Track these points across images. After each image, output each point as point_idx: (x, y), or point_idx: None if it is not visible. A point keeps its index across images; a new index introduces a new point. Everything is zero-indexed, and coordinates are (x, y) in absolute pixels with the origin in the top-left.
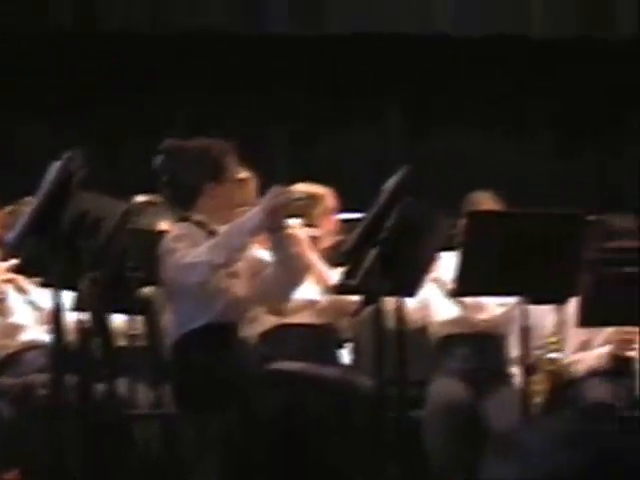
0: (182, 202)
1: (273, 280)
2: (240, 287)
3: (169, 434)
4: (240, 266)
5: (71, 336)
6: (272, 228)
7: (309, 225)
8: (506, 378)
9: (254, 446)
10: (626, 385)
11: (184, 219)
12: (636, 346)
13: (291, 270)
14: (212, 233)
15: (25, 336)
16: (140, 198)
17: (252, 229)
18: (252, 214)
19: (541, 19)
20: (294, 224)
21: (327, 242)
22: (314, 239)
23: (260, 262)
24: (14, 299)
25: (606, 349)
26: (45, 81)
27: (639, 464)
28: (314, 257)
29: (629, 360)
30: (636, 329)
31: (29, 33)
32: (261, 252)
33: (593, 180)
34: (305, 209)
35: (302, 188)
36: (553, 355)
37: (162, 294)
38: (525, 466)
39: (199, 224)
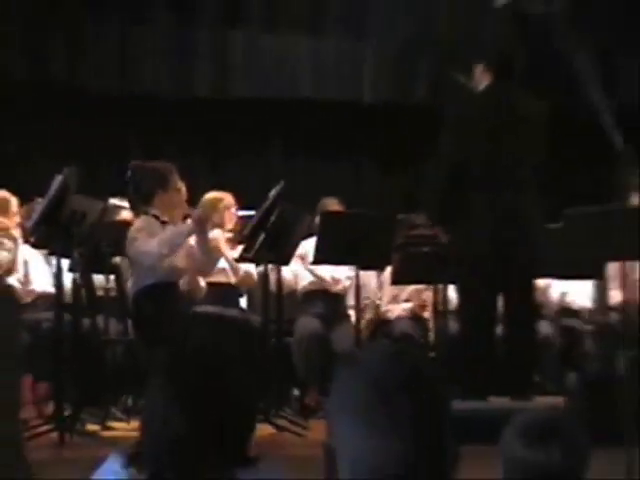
0: (142, 202)
1: (199, 261)
2: (179, 261)
3: (131, 354)
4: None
5: (67, 288)
6: (198, 232)
7: (220, 226)
8: (346, 317)
9: (185, 366)
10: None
11: (145, 213)
12: (429, 308)
13: (209, 256)
14: (164, 222)
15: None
16: (112, 199)
17: (187, 232)
18: (187, 223)
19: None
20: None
21: (229, 228)
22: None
23: (192, 247)
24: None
25: (410, 305)
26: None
27: (433, 374)
28: (222, 244)
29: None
30: (430, 293)
31: None
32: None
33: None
34: (214, 204)
35: (212, 194)
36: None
37: (126, 263)
38: (359, 373)
39: (154, 217)
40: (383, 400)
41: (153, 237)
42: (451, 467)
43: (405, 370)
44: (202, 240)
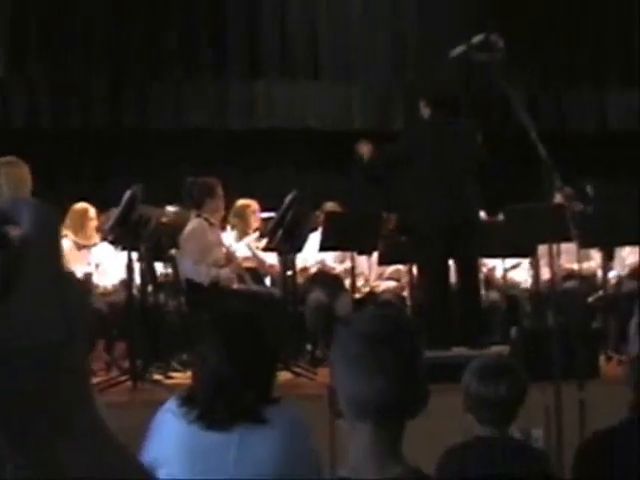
0: (195, 208)
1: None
2: (221, 255)
3: (184, 322)
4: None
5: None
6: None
7: (248, 226)
8: (344, 291)
9: (228, 327)
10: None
11: (198, 215)
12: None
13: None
14: (212, 224)
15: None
16: (170, 208)
17: (225, 277)
18: (228, 273)
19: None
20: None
21: (254, 226)
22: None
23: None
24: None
25: (392, 283)
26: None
27: (410, 329)
28: (256, 249)
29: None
30: (404, 269)
31: None
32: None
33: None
34: (243, 210)
35: (242, 201)
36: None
37: (181, 254)
38: (350, 331)
39: (205, 219)
40: (368, 350)
41: (206, 244)
42: (423, 401)
43: (386, 327)
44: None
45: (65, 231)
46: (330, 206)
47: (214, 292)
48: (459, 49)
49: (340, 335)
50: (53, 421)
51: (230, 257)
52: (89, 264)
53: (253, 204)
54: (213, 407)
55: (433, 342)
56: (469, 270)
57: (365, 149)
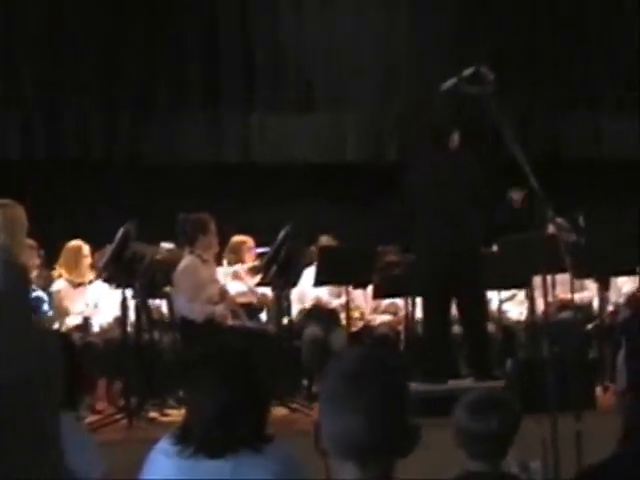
0: (188, 244)
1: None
2: (214, 291)
3: (179, 358)
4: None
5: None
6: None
7: (240, 256)
8: (339, 325)
9: (222, 364)
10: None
11: (191, 252)
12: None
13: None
14: (204, 261)
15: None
16: (164, 244)
17: (218, 314)
18: (221, 310)
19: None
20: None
21: (250, 262)
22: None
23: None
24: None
25: (388, 317)
26: None
27: (394, 368)
28: (243, 274)
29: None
30: (400, 303)
31: None
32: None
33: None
34: (239, 246)
35: (237, 237)
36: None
37: (175, 291)
38: (334, 369)
39: (198, 255)
40: (347, 389)
41: (198, 281)
42: (411, 440)
43: (367, 366)
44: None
45: (59, 270)
46: (325, 240)
47: (208, 329)
48: (450, 82)
49: (326, 373)
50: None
51: (224, 293)
52: (87, 304)
53: (249, 240)
54: (211, 436)
55: (431, 375)
56: (475, 300)
57: (518, 196)
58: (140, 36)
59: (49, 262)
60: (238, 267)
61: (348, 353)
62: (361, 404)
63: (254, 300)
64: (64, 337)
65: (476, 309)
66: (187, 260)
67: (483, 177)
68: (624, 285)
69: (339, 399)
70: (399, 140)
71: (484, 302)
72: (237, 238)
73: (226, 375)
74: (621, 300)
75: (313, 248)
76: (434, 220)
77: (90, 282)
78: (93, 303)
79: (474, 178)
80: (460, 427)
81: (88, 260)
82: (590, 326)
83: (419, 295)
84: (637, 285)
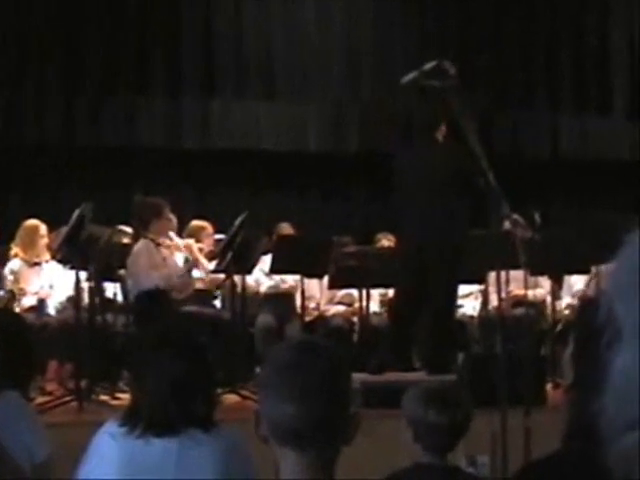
0: (142, 228)
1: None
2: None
3: (132, 341)
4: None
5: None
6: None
7: (199, 241)
8: (293, 314)
9: (172, 348)
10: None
11: (144, 237)
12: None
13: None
14: (158, 244)
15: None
16: (119, 226)
17: (178, 274)
18: (181, 268)
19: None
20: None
21: (208, 249)
22: (200, 249)
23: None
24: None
25: (342, 308)
26: None
27: (329, 358)
28: (200, 257)
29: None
30: (356, 294)
31: None
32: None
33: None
34: (198, 231)
35: (196, 223)
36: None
37: (129, 273)
38: (269, 360)
39: (151, 240)
40: (284, 377)
41: (152, 262)
42: (350, 427)
43: (298, 355)
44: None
45: (14, 249)
46: (284, 227)
47: (162, 311)
48: (411, 75)
49: (263, 363)
50: None
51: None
52: (42, 286)
53: (208, 227)
54: (163, 413)
55: (385, 366)
56: (445, 290)
57: None
58: (101, 20)
59: (7, 242)
60: (190, 241)
61: (286, 342)
62: (295, 392)
63: (208, 286)
64: (15, 317)
65: (443, 303)
66: (140, 243)
67: (474, 167)
68: (577, 283)
69: (274, 387)
70: (362, 130)
71: (453, 297)
72: (196, 223)
73: (180, 354)
74: (573, 298)
75: (271, 236)
76: (424, 211)
77: (47, 262)
78: (48, 284)
79: (466, 169)
80: (411, 419)
81: (45, 240)
82: (542, 323)
83: (394, 284)
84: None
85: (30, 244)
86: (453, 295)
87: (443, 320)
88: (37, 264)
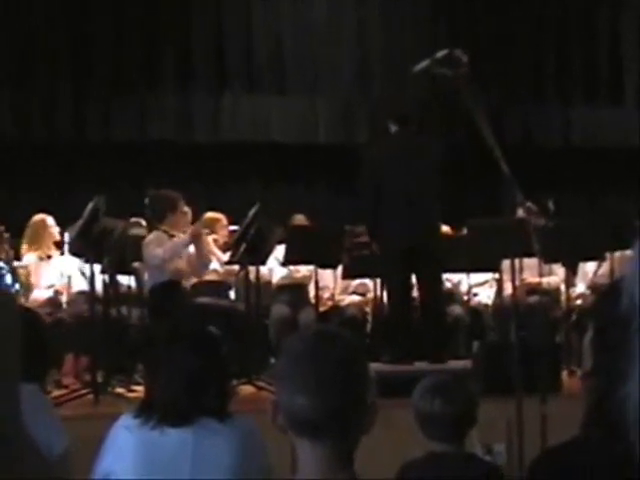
0: (156, 221)
1: (195, 265)
2: (182, 265)
3: (147, 334)
4: (183, 256)
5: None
6: (195, 243)
7: (213, 232)
8: (307, 304)
9: (187, 341)
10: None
11: (157, 229)
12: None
13: (203, 261)
14: (172, 236)
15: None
16: (133, 219)
17: (185, 243)
18: (185, 237)
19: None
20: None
21: (222, 240)
22: (215, 240)
23: (191, 254)
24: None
25: (356, 297)
26: None
27: (346, 348)
28: (214, 249)
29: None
30: (370, 283)
31: None
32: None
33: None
34: (213, 223)
35: (211, 214)
36: (326, 295)
37: (143, 266)
38: (285, 351)
39: (164, 232)
40: (299, 368)
41: (161, 247)
42: (367, 417)
43: (313, 345)
44: (198, 250)
45: (24, 245)
46: (299, 219)
47: (177, 305)
48: (423, 64)
49: (279, 354)
50: None
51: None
52: (62, 274)
53: (222, 219)
54: (177, 404)
55: (396, 357)
56: (432, 284)
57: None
58: (112, 17)
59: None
60: (208, 238)
61: (301, 332)
62: (310, 383)
63: (222, 277)
64: (30, 311)
65: (433, 293)
66: (154, 234)
67: (440, 166)
68: (591, 271)
69: (289, 378)
70: (372, 123)
71: (440, 286)
72: (211, 214)
73: (193, 347)
74: (587, 286)
75: (285, 227)
76: (397, 202)
77: (62, 254)
78: (66, 275)
79: (433, 164)
80: (417, 410)
81: (53, 232)
82: (557, 311)
83: (382, 276)
84: (596, 269)
85: (38, 238)
86: (441, 285)
87: (436, 309)
88: (49, 257)
